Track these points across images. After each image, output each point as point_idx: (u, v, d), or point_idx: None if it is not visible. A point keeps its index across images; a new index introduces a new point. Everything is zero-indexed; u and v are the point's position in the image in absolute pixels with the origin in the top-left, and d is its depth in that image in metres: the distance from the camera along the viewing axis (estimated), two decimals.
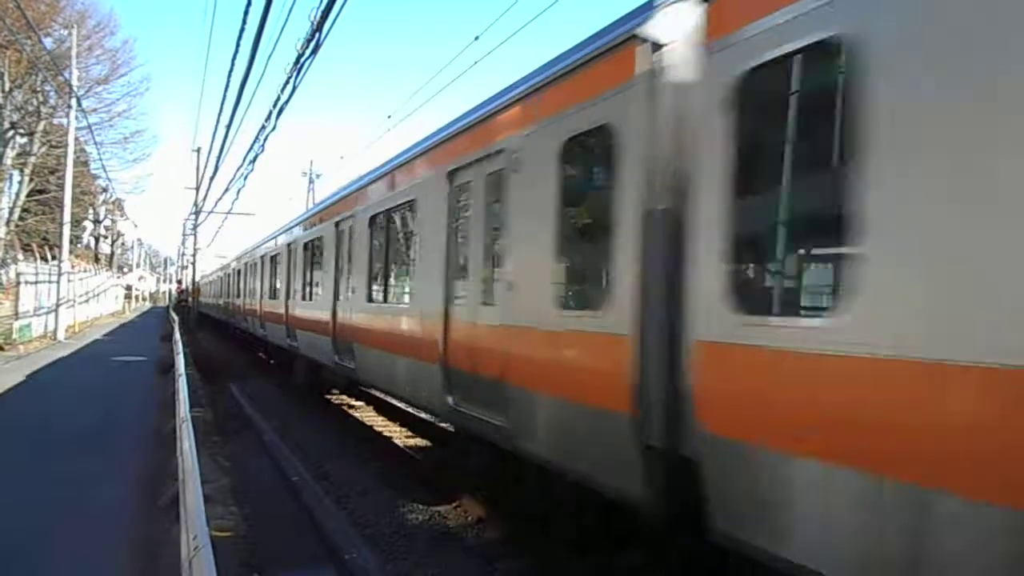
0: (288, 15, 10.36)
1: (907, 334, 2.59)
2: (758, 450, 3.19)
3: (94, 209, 56.60)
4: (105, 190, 49.81)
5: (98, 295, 39.95)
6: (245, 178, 19.76)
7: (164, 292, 78.77)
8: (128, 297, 61.16)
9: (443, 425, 8.93)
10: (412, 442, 10.52)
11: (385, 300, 8.92)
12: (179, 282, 49.92)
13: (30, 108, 35.82)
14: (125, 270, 70.36)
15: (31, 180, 36.44)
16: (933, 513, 2.50)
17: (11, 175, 35.38)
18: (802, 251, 3.58)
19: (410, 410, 11.44)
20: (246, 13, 9.32)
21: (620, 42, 4.19)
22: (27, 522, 5.86)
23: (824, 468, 2.87)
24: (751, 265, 3.79)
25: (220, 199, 26.97)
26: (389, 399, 11.90)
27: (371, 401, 13.34)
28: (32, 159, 35.82)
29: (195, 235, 32.11)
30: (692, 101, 3.66)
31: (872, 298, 2.72)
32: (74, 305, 29.36)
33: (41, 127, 36.01)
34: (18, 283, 24.10)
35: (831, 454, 2.84)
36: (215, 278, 34.93)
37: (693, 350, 3.53)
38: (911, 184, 2.62)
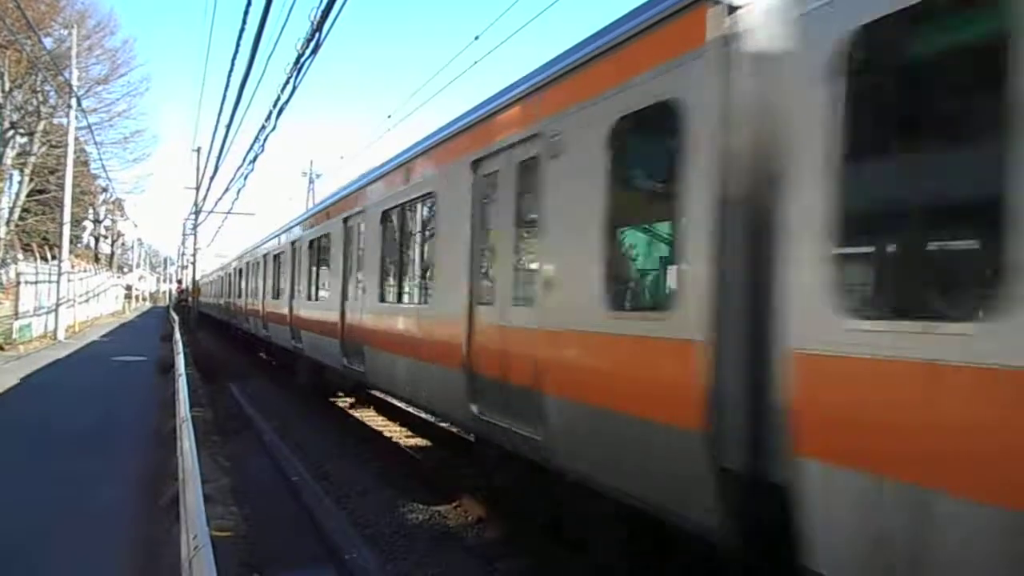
0: (288, 15, 10.37)
1: None
2: (879, 481, 2.65)
3: (94, 209, 56.58)
4: (105, 190, 49.82)
5: (98, 295, 39.96)
6: (245, 178, 19.77)
7: (164, 292, 78.76)
8: (128, 297, 61.16)
9: (465, 435, 8.19)
10: (412, 442, 10.52)
11: (399, 300, 8.43)
12: (179, 282, 49.93)
13: (30, 108, 35.82)
14: (125, 270, 70.37)
15: (31, 180, 36.45)
16: None
17: (11, 175, 35.37)
18: (934, 244, 3.07)
19: (413, 411, 11.42)
20: (246, 13, 9.32)
21: (687, 4, 3.66)
22: (27, 522, 5.86)
23: (967, 505, 2.37)
24: (867, 261, 3.26)
25: (220, 199, 26.98)
26: (405, 406, 11.31)
27: (371, 401, 13.33)
28: (32, 159, 35.82)
29: (195, 235, 32.09)
30: (782, 69, 3.12)
31: None
32: (74, 305, 29.35)
33: (41, 127, 36.01)
34: (18, 283, 24.10)
35: (973, 488, 2.36)
36: (216, 278, 34.85)
37: (789, 360, 3.00)
38: None
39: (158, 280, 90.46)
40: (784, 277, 3.05)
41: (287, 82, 9.66)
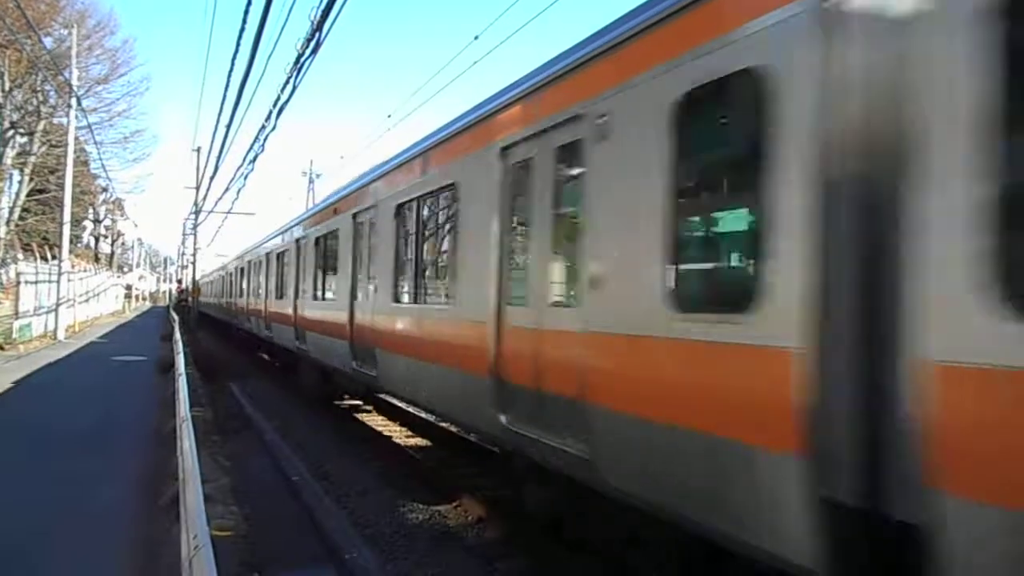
0: (288, 15, 10.37)
1: None
2: None
3: (94, 209, 56.61)
4: (105, 190, 49.85)
5: (98, 295, 39.98)
6: (245, 178, 19.78)
7: (164, 292, 78.79)
8: (128, 297, 61.18)
9: (492, 447, 7.35)
10: (412, 442, 10.52)
11: (415, 300, 7.78)
12: (179, 282, 49.95)
13: (30, 108, 35.84)
14: (125, 270, 70.39)
15: (31, 180, 36.47)
16: None
17: (11, 175, 35.39)
18: None
19: (414, 411, 11.41)
20: (246, 13, 9.33)
21: None
22: (27, 522, 5.86)
23: None
24: None
25: (220, 199, 26.99)
26: (416, 410, 10.97)
27: (372, 402, 13.33)
28: (32, 159, 35.84)
29: (195, 235, 32.10)
30: (911, 23, 2.62)
31: None
32: (74, 305, 29.36)
33: (41, 127, 36.03)
34: (18, 283, 24.10)
35: None
36: (216, 277, 34.75)
37: (924, 372, 2.49)
38: None
39: (158, 280, 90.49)
40: (919, 273, 2.53)
41: (287, 82, 9.67)
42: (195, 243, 32.03)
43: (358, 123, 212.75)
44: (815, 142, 2.94)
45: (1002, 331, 2.25)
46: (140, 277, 76.06)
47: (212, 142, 44.87)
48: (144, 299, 76.47)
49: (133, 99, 39.66)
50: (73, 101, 26.69)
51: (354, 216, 9.97)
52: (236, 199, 24.24)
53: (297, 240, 14.24)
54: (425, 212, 7.79)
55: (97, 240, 64.08)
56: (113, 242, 69.52)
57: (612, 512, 4.58)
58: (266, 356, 20.48)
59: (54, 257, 26.71)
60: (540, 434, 4.90)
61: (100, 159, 39.04)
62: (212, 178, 24.87)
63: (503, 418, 5.38)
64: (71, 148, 27.38)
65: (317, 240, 12.47)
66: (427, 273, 7.92)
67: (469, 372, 5.91)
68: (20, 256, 31.25)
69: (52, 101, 34.99)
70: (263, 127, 13.15)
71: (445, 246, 7.40)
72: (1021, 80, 2.33)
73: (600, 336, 4.25)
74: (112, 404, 12.02)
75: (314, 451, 9.60)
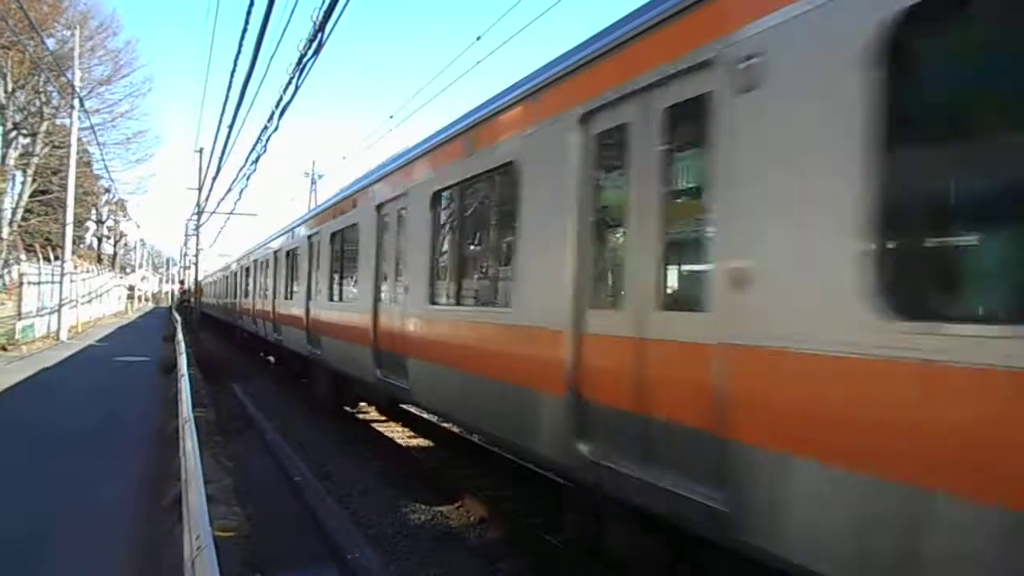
0: (290, 16, 10.37)
1: None
2: None
3: (97, 209, 56.79)
4: (108, 190, 50.11)
5: (101, 296, 40.01)
6: (247, 178, 19.77)
7: (167, 292, 78.91)
8: (131, 297, 61.24)
9: (562, 479, 5.50)
10: (414, 442, 10.52)
11: (459, 303, 6.75)
12: (181, 282, 50.01)
13: (33, 109, 35.99)
14: (128, 270, 70.47)
15: (34, 181, 36.60)
16: None
17: (14, 176, 35.53)
18: None
19: (415, 412, 11.40)
20: (248, 14, 9.32)
21: None
22: (29, 522, 5.86)
23: None
24: None
25: (223, 199, 26.99)
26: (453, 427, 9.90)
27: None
28: (35, 160, 35.96)
29: (197, 235, 32.14)
30: None
31: None
32: (77, 306, 29.39)
33: (44, 128, 36.16)
34: (21, 284, 24.13)
35: None
36: (219, 277, 34.56)
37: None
38: None
39: (160, 281, 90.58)
40: None
41: (289, 82, 9.67)
42: (197, 244, 32.08)
43: (360, 124, 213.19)
44: None
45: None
46: (143, 278, 76.07)
47: (214, 143, 44.93)
48: (147, 300, 76.57)
49: (135, 100, 40.12)
50: (76, 102, 26.72)
51: (378, 208, 8.91)
52: (238, 200, 24.41)
53: (309, 236, 13.18)
54: (471, 199, 6.77)
55: (100, 241, 64.27)
56: (116, 243, 69.68)
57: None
58: (271, 359, 20.28)
59: (57, 258, 26.74)
60: (643, 472, 3.91)
61: (103, 160, 39.32)
62: (215, 179, 24.87)
63: (584, 447, 4.41)
64: (74, 149, 27.42)
65: (333, 236, 11.38)
66: (474, 271, 6.99)
67: (535, 389, 4.97)
68: (23, 257, 31.29)
69: (55, 102, 35.17)
70: (265, 128, 13.16)
71: (499, 239, 6.35)
72: None
73: (750, 351, 3.22)
74: (115, 405, 12.03)
75: (316, 451, 9.60)
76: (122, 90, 39.32)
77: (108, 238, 67.17)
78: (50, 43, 31.29)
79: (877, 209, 2.71)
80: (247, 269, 23.02)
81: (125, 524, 6.01)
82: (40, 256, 26.87)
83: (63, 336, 24.59)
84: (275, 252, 17.21)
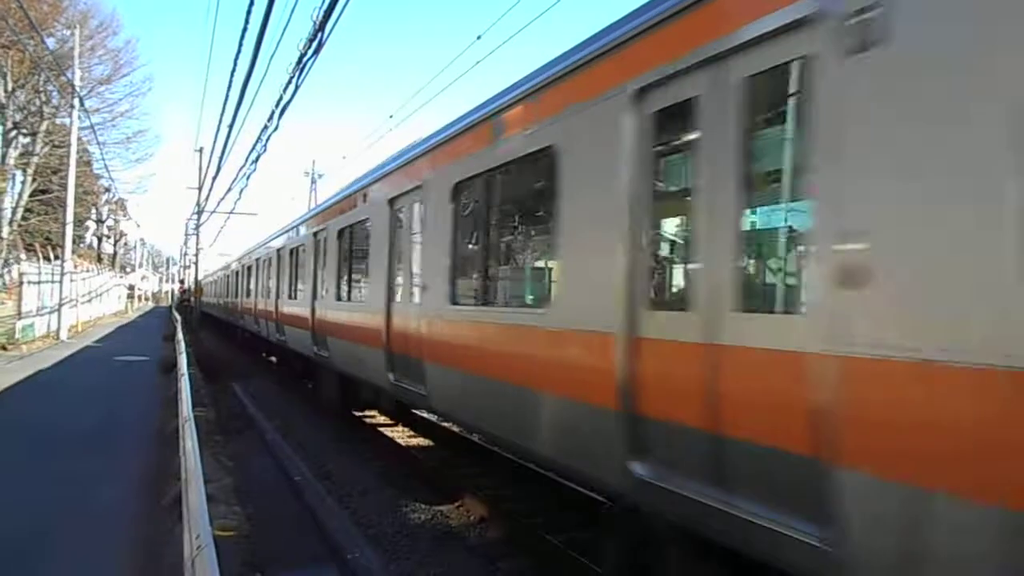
0: (290, 15, 10.37)
1: None
2: None
3: (97, 209, 56.80)
4: (108, 190, 50.13)
5: (101, 295, 40.02)
6: (247, 178, 19.76)
7: (167, 292, 78.93)
8: (131, 297, 61.25)
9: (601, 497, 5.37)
10: (414, 442, 10.51)
11: (484, 303, 6.31)
12: (181, 282, 50.04)
13: (33, 108, 36.00)
14: (128, 270, 70.49)
15: (34, 180, 36.61)
16: None
17: (14, 175, 35.54)
18: None
19: (415, 411, 11.38)
20: (248, 13, 9.32)
21: None
22: (29, 521, 5.86)
23: None
24: None
25: (223, 199, 26.99)
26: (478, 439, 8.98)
27: (363, 399, 13.23)
28: (35, 159, 35.97)
29: (197, 235, 32.14)
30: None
31: None
32: (77, 305, 29.39)
33: (44, 127, 36.17)
34: (21, 283, 24.13)
35: None
36: (220, 277, 34.43)
37: None
38: None
39: (160, 280, 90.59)
40: None
41: (289, 82, 9.66)
42: (197, 243, 32.08)
43: (360, 123, 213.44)
44: None
45: None
46: (143, 277, 76.08)
47: (214, 142, 44.95)
48: (147, 299, 76.56)
49: (135, 99, 40.13)
50: (76, 101, 26.71)
51: (391, 202, 8.35)
52: (239, 199, 24.36)
53: (314, 233, 12.59)
54: (498, 190, 6.27)
55: (100, 240, 64.28)
56: (116, 242, 69.69)
57: None
58: (272, 359, 20.15)
59: (57, 257, 26.74)
60: (713, 498, 3.42)
61: (103, 159, 39.37)
62: (215, 178, 24.87)
63: (639, 468, 3.92)
64: (74, 148, 27.41)
65: (341, 232, 10.81)
66: (502, 268, 6.52)
67: (577, 400, 4.49)
68: (23, 256, 31.29)
69: (55, 101, 35.17)
70: (265, 127, 13.16)
71: (532, 233, 5.96)
72: None
73: (871, 364, 2.67)
74: (115, 404, 12.02)
75: (316, 451, 9.60)
76: (122, 89, 39.38)
77: (108, 237, 67.21)
78: (50, 42, 31.30)
79: None
80: (249, 268, 22.61)
81: (125, 523, 6.01)
82: (40, 255, 26.88)
83: (63, 335, 24.59)
84: (278, 250, 16.67)
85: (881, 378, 2.65)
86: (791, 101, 3.32)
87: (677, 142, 4.07)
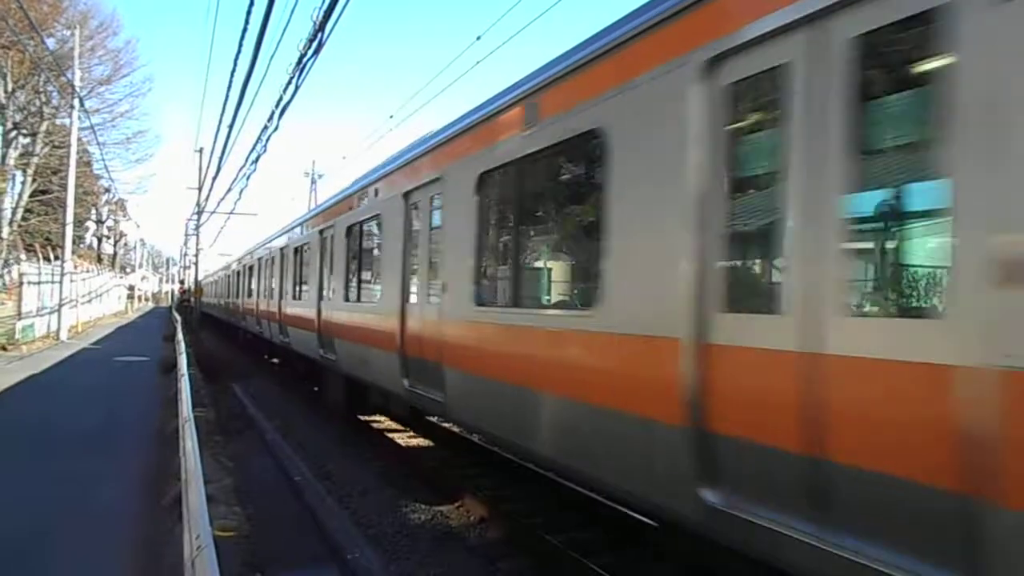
0: (290, 16, 10.37)
1: None
2: None
3: (97, 209, 56.80)
4: (108, 190, 50.15)
5: (101, 295, 40.02)
6: (247, 178, 19.77)
7: (167, 292, 78.94)
8: (131, 297, 61.25)
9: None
10: (414, 442, 10.51)
11: (515, 304, 5.74)
12: (181, 282, 50.05)
13: (33, 109, 36.01)
14: (128, 270, 70.50)
15: (34, 180, 36.61)
16: None
17: (14, 175, 35.55)
18: None
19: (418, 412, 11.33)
20: (248, 13, 9.32)
21: None
22: (29, 521, 5.85)
23: None
24: None
25: (223, 199, 27.00)
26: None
27: (372, 403, 13.21)
28: (35, 159, 35.97)
29: (197, 235, 32.15)
30: None
31: None
32: (77, 305, 29.39)
33: (44, 127, 36.17)
34: (21, 283, 24.13)
35: None
36: (220, 277, 34.38)
37: None
38: None
39: (160, 280, 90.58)
40: None
41: (289, 82, 9.67)
42: (197, 243, 32.08)
43: (360, 124, 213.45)
44: None
45: None
46: (143, 278, 76.08)
47: (214, 143, 44.98)
48: (146, 300, 76.57)
49: (135, 100, 40.19)
50: (76, 102, 26.71)
51: (406, 196, 7.84)
52: (239, 199, 24.35)
53: (320, 231, 12.06)
54: (532, 179, 5.79)
55: (100, 241, 64.28)
56: (116, 243, 69.68)
57: None
58: (275, 360, 20.00)
59: (57, 258, 26.75)
60: (812, 534, 2.94)
61: (103, 160, 39.40)
62: (215, 179, 24.89)
63: (709, 493, 3.43)
64: (74, 149, 27.41)
65: (349, 229, 10.26)
66: (537, 266, 6.10)
67: (632, 414, 3.99)
68: (23, 257, 31.29)
69: (55, 102, 35.18)
70: (265, 127, 13.16)
71: (575, 226, 5.48)
72: None
73: None
74: (115, 404, 12.02)
75: (316, 451, 9.60)
76: (122, 90, 39.39)
77: (108, 238, 67.20)
78: (50, 43, 31.30)
79: None
80: (251, 268, 22.16)
81: (125, 523, 6.01)
82: (40, 256, 26.88)
83: (63, 336, 24.59)
84: (281, 249, 16.21)
85: None
86: (917, 60, 2.80)
87: (761, 117, 3.53)
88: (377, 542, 6.21)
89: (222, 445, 8.90)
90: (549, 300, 5.78)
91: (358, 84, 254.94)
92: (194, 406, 8.45)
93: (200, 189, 30.86)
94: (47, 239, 34.82)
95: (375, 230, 9.12)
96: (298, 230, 14.75)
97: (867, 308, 3.04)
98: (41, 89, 35.18)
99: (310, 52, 8.14)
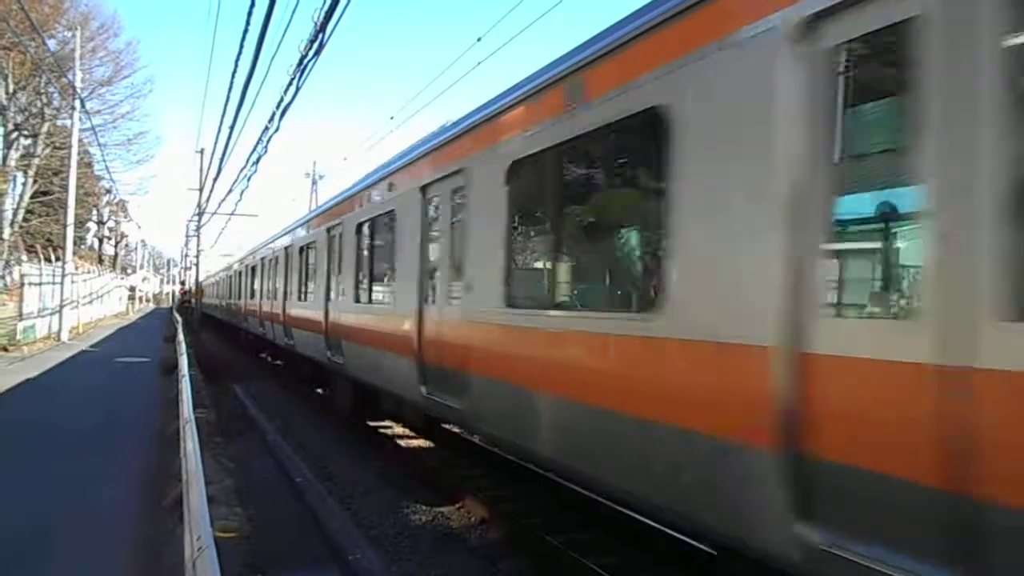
0: (291, 16, 10.40)
1: None
2: None
3: (98, 210, 56.89)
4: (109, 191, 50.26)
5: (102, 296, 40.04)
6: (248, 179, 19.77)
7: (167, 293, 79.00)
8: (132, 298, 61.29)
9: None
10: (415, 443, 10.51)
11: (554, 305, 5.27)
12: (182, 283, 50.09)
13: (34, 110, 36.09)
14: (129, 271, 70.56)
15: (35, 182, 36.67)
16: None
17: (15, 177, 35.62)
18: None
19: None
20: (249, 15, 9.33)
21: None
22: (29, 521, 5.85)
23: None
24: None
25: (223, 200, 27.01)
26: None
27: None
28: (36, 161, 36.03)
29: (198, 236, 32.17)
30: None
31: None
32: (78, 306, 29.41)
33: (45, 129, 36.24)
34: (22, 284, 24.15)
35: None
36: (222, 277, 34.30)
37: None
38: None
39: (162, 281, 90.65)
40: None
41: (290, 83, 9.67)
42: (198, 244, 32.10)
43: (361, 124, 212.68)
44: None
45: None
46: (144, 279, 76.15)
47: (215, 144, 45.00)
48: (147, 301, 76.61)
49: (136, 101, 40.23)
50: (77, 103, 26.74)
51: (424, 189, 7.31)
52: (239, 200, 24.32)
53: (328, 229, 11.55)
54: (575, 166, 5.37)
55: (101, 242, 64.37)
56: (116, 244, 69.75)
57: None
58: (279, 362, 19.80)
59: (58, 259, 26.76)
60: None
61: (104, 161, 39.45)
62: (215, 180, 24.89)
63: (808, 530, 2.92)
64: (75, 150, 27.44)
65: (360, 226, 9.80)
66: (578, 263, 5.61)
67: (709, 435, 3.42)
68: (24, 258, 31.33)
69: (56, 103, 35.26)
70: (266, 128, 13.14)
71: (626, 218, 5.01)
72: None
73: None
74: (115, 405, 12.03)
75: (316, 452, 9.60)
76: (123, 91, 39.49)
77: (109, 239, 67.28)
78: (51, 44, 31.38)
79: None
80: (253, 268, 21.72)
81: (126, 524, 6.01)
82: (41, 257, 26.92)
83: (64, 337, 24.60)
84: (286, 248, 15.70)
85: None
86: None
87: (879, 84, 3.04)
88: (378, 543, 6.21)
89: (223, 446, 8.90)
90: (596, 301, 5.17)
91: (359, 85, 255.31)
92: (195, 407, 8.46)
93: (201, 190, 30.87)
94: (48, 240, 34.87)
95: (389, 227, 8.59)
96: (303, 228, 14.33)
97: None
98: (42, 90, 35.26)
99: (311, 53, 8.14)
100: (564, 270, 5.53)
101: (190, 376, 11.11)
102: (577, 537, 6.03)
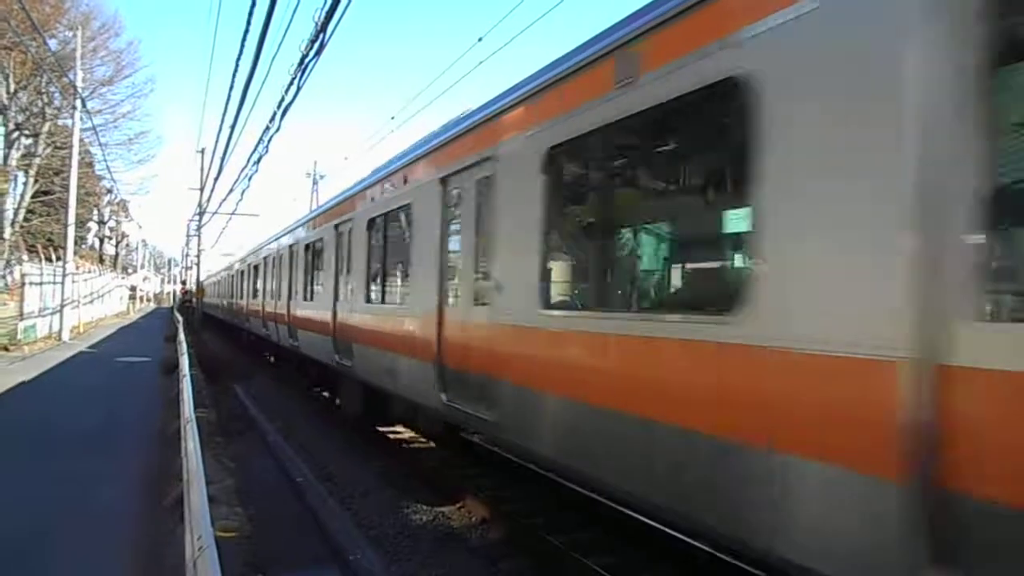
0: (292, 16, 10.38)
1: None
2: None
3: (99, 210, 56.87)
4: (110, 191, 50.25)
5: (102, 296, 40.06)
6: (249, 179, 19.77)
7: (168, 293, 79.05)
8: (132, 298, 61.32)
9: None
10: (415, 443, 10.51)
11: (602, 305, 4.87)
12: (183, 283, 50.11)
13: (35, 109, 36.10)
14: (129, 271, 70.58)
15: (36, 181, 36.67)
16: None
17: (16, 176, 35.63)
18: None
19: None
20: (250, 15, 9.33)
21: None
22: (29, 521, 5.86)
23: None
24: None
25: (224, 200, 27.02)
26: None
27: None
28: (37, 160, 36.03)
29: (199, 236, 32.18)
30: None
31: None
32: (79, 306, 29.42)
33: (46, 128, 36.25)
34: (23, 284, 24.15)
35: None
36: (223, 277, 34.23)
37: None
38: None
39: (162, 281, 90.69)
40: None
41: (291, 83, 9.67)
42: (199, 244, 32.11)
43: (362, 124, 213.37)
44: None
45: None
46: (144, 278, 76.15)
47: (216, 143, 45.01)
48: (148, 300, 76.65)
49: (137, 101, 40.31)
50: (78, 103, 26.74)
51: (443, 181, 6.79)
52: (240, 200, 24.29)
53: (336, 226, 11.03)
54: (629, 150, 4.81)
55: (101, 241, 64.34)
56: (117, 243, 69.74)
57: None
58: (283, 362, 19.68)
59: (59, 258, 26.77)
60: None
61: (105, 160, 39.47)
62: (216, 179, 24.91)
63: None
64: (75, 150, 27.45)
65: (371, 222, 9.26)
66: (636, 259, 5.07)
67: (814, 461, 2.87)
68: (25, 257, 31.31)
69: (57, 103, 35.27)
70: (267, 128, 13.15)
71: (697, 205, 4.53)
72: None
73: None
74: (116, 405, 12.03)
75: (317, 452, 9.60)
76: (124, 91, 39.52)
77: (110, 239, 67.27)
78: (52, 44, 31.38)
79: None
80: (255, 267, 21.23)
81: (126, 524, 6.01)
82: (42, 256, 26.91)
83: (65, 336, 24.61)
84: (291, 246, 15.12)
85: None
86: None
87: None
88: (378, 543, 6.21)
89: (223, 446, 8.90)
90: (653, 301, 4.72)
91: (360, 85, 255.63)
92: (196, 407, 8.46)
93: (202, 190, 30.90)
94: (49, 240, 34.89)
95: (404, 222, 8.04)
96: (309, 226, 13.77)
97: None
98: (43, 90, 35.28)
99: (312, 53, 8.14)
100: (614, 267, 5.00)
101: (191, 376, 11.11)
102: (578, 537, 6.03)
